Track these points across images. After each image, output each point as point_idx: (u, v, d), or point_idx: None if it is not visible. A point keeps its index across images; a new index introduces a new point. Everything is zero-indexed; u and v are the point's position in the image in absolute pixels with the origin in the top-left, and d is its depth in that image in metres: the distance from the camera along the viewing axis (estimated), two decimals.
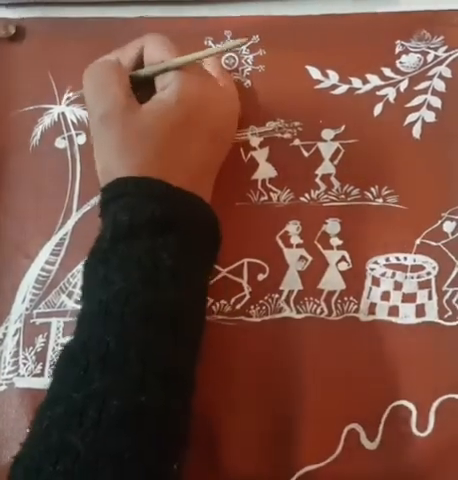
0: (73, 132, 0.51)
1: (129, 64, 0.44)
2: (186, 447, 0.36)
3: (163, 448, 0.34)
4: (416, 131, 0.48)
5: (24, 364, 0.46)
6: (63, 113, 0.51)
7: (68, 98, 0.51)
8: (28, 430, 0.35)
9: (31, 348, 0.47)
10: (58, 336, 0.46)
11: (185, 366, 0.37)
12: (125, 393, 0.33)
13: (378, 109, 0.49)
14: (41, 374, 0.46)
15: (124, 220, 0.38)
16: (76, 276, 0.48)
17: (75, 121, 0.51)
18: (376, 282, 0.45)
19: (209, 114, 0.43)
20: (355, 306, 0.45)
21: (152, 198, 0.39)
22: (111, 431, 0.32)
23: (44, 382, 0.45)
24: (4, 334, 0.47)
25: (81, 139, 0.51)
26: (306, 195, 0.48)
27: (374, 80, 0.49)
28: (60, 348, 0.45)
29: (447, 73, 0.49)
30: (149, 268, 0.37)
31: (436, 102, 0.48)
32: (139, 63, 0.44)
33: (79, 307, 0.46)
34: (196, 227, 0.40)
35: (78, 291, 0.47)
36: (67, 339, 0.45)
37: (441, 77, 0.49)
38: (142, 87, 0.43)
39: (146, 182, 0.39)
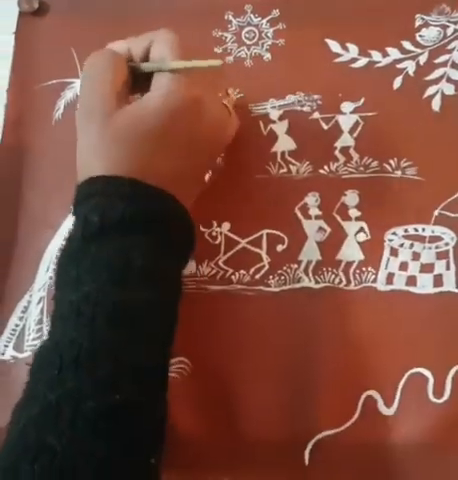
0: None
1: (138, 54, 0.43)
2: (162, 441, 0.37)
3: (139, 444, 0.35)
4: (435, 104, 0.48)
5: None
6: None
7: None
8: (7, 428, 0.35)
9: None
10: None
11: (157, 363, 0.38)
12: (98, 393, 0.34)
13: (398, 82, 0.49)
14: None
15: (95, 221, 0.38)
16: None
17: None
18: (394, 253, 0.46)
19: (190, 130, 0.41)
20: (373, 276, 0.45)
21: (122, 197, 0.38)
22: (87, 430, 0.33)
23: None
24: (28, 302, 0.48)
25: None
26: (325, 167, 0.48)
27: (394, 53, 0.50)
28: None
29: None
30: (119, 268, 0.37)
31: (455, 75, 0.49)
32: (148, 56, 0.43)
33: None
34: (168, 226, 0.40)
35: None
36: None
37: None
38: (146, 79, 0.42)
39: (116, 181, 0.39)
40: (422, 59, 0.49)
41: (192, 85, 0.40)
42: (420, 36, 0.50)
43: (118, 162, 0.39)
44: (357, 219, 0.47)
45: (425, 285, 0.45)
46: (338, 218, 0.47)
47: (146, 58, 0.43)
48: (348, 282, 0.45)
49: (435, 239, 0.45)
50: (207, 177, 0.46)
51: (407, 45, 0.50)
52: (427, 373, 0.43)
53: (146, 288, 0.37)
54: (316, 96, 0.50)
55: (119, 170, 0.39)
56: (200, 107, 0.41)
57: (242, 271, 0.47)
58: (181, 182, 0.41)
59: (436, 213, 0.46)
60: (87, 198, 0.39)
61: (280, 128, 0.49)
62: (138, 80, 0.42)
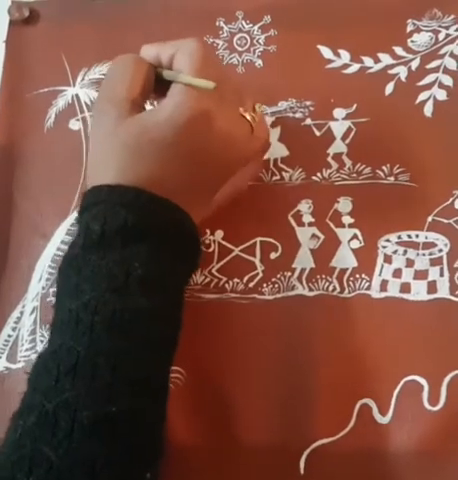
0: (87, 114, 0.52)
1: (166, 61, 0.42)
2: (160, 456, 0.37)
3: (135, 457, 0.34)
4: (428, 109, 0.48)
5: (41, 341, 0.47)
6: (77, 95, 0.52)
7: (82, 80, 0.52)
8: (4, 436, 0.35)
9: (48, 326, 0.47)
10: None
11: (156, 373, 0.37)
12: (96, 403, 0.33)
13: (390, 88, 0.49)
14: None
15: (96, 229, 0.37)
16: None
17: (89, 102, 0.52)
18: (388, 259, 0.46)
19: (196, 143, 0.40)
20: (367, 283, 0.45)
21: (125, 206, 0.38)
22: (83, 441, 0.32)
23: None
24: (21, 312, 0.48)
25: None
26: (318, 174, 0.48)
27: (386, 59, 0.50)
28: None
29: None
30: (119, 277, 0.37)
31: (447, 80, 0.49)
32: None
33: None
34: (170, 235, 0.39)
35: None
36: None
37: (452, 55, 0.49)
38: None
39: (120, 190, 0.39)
40: (414, 64, 0.49)
41: (204, 98, 0.39)
42: (412, 41, 0.50)
43: (125, 171, 0.39)
44: (350, 226, 0.47)
45: (419, 292, 0.45)
46: (331, 225, 0.47)
47: (171, 65, 0.42)
48: (342, 289, 0.45)
49: (429, 245, 0.45)
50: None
51: (399, 51, 0.50)
52: (422, 381, 0.43)
53: (146, 297, 0.37)
54: (308, 102, 0.49)
55: (125, 179, 0.39)
56: (208, 121, 0.40)
57: (236, 279, 0.47)
58: (187, 194, 0.41)
59: (429, 219, 0.46)
60: (91, 206, 0.39)
61: (272, 135, 0.49)
62: (165, 85, 0.41)
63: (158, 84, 0.42)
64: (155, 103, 0.46)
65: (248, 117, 0.43)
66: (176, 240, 0.40)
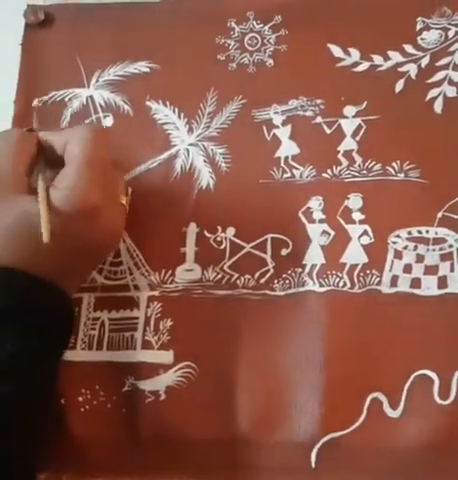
0: (101, 114, 0.52)
1: (61, 151, 0.42)
2: None
3: None
4: (438, 106, 0.48)
5: None
6: (91, 96, 0.53)
7: (96, 81, 0.53)
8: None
9: None
10: (89, 311, 0.48)
11: (19, 463, 0.37)
12: None
13: (400, 85, 0.49)
14: (73, 347, 0.47)
15: None
16: None
17: (103, 104, 0.53)
18: (398, 255, 0.46)
19: (83, 236, 0.41)
20: (377, 279, 0.46)
21: None
22: None
23: (76, 355, 0.47)
24: None
25: (109, 121, 0.52)
26: (328, 171, 0.48)
27: (395, 57, 0.50)
28: (91, 322, 0.47)
29: None
30: None
31: (457, 77, 0.49)
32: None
33: (109, 283, 0.48)
34: (44, 316, 0.39)
35: (108, 267, 0.49)
36: (98, 313, 0.48)
37: None
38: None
39: None
40: (424, 62, 0.49)
41: (92, 193, 0.40)
42: (421, 39, 0.50)
43: (3, 252, 0.39)
44: (361, 222, 0.47)
45: (429, 287, 0.45)
46: (342, 221, 0.47)
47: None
48: (352, 285, 0.46)
49: (439, 241, 0.46)
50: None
51: (409, 48, 0.50)
52: (432, 375, 0.43)
53: (10, 383, 0.37)
54: (319, 100, 0.50)
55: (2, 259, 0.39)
56: (93, 217, 0.41)
57: (247, 275, 0.47)
58: (66, 277, 0.41)
59: (439, 215, 0.46)
60: None
61: (283, 133, 0.50)
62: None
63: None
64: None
65: (124, 202, 0.45)
66: (49, 321, 0.40)
